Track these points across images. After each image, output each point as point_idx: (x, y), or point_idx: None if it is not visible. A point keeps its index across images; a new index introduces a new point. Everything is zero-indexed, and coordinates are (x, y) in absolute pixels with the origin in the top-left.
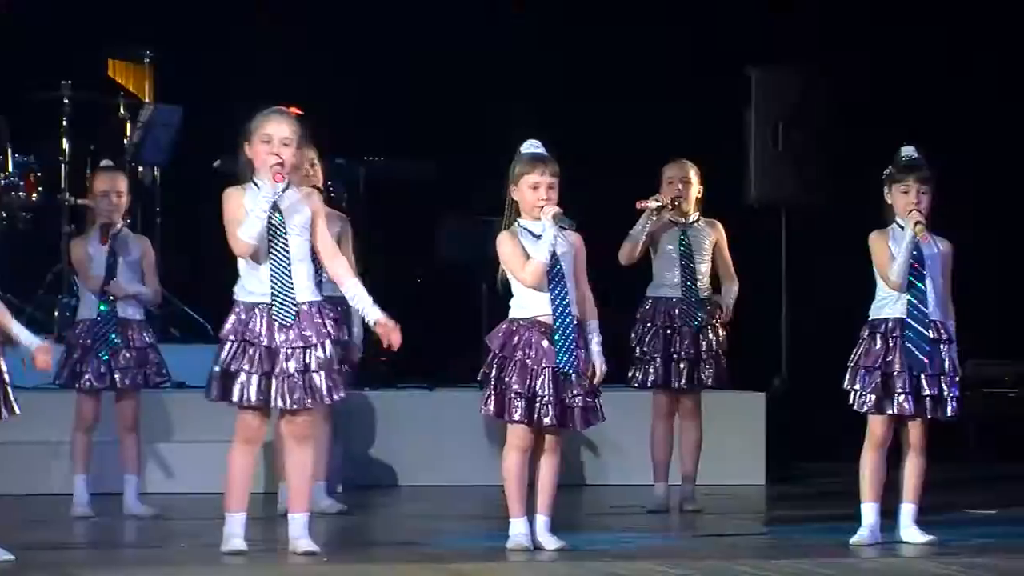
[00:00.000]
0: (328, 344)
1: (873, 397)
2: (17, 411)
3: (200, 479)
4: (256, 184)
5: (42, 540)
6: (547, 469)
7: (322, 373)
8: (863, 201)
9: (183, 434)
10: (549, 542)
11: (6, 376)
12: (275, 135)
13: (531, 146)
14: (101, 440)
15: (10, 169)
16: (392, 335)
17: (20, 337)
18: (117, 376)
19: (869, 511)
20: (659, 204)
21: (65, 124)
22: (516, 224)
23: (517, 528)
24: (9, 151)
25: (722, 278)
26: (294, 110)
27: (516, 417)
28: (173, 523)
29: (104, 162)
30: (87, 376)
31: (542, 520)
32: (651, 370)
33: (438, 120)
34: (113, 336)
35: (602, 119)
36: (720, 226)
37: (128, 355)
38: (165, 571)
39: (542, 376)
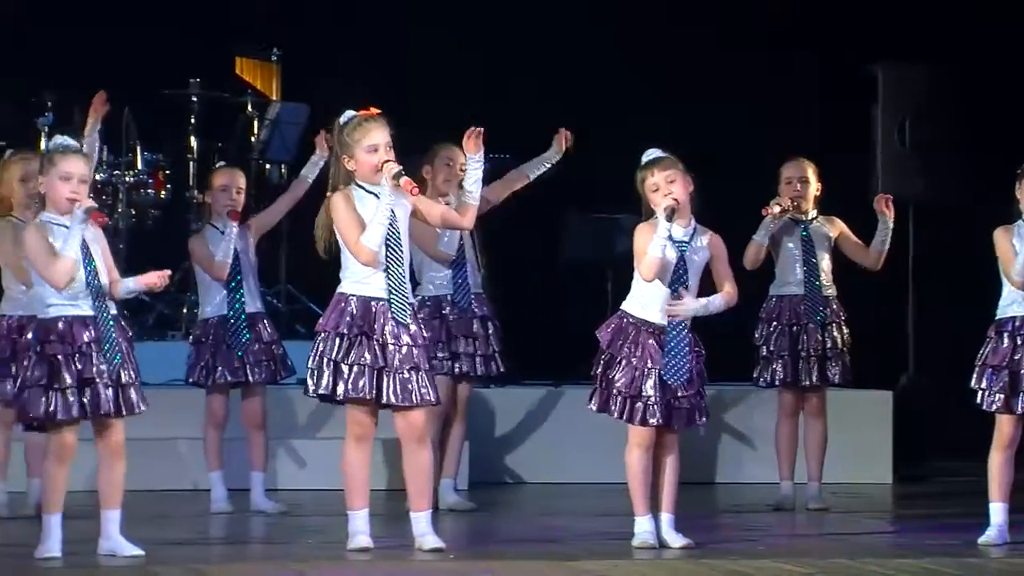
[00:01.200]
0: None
1: (1001, 396)
2: (142, 408)
3: (328, 475)
4: (361, 187)
5: (171, 536)
6: (669, 467)
7: (423, 372)
8: (991, 197)
9: (310, 430)
10: (674, 540)
11: (133, 372)
12: (380, 143)
13: (649, 154)
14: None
15: (139, 166)
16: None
17: (131, 285)
18: (250, 372)
19: (997, 511)
20: (782, 208)
21: (193, 122)
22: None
23: (642, 526)
24: (138, 149)
25: (860, 256)
26: (374, 110)
27: (626, 416)
28: (301, 519)
29: (221, 164)
30: (221, 372)
31: (667, 518)
32: (777, 368)
33: (564, 118)
34: (245, 332)
35: (725, 119)
36: (838, 221)
37: (258, 349)
38: (293, 567)
39: (648, 377)
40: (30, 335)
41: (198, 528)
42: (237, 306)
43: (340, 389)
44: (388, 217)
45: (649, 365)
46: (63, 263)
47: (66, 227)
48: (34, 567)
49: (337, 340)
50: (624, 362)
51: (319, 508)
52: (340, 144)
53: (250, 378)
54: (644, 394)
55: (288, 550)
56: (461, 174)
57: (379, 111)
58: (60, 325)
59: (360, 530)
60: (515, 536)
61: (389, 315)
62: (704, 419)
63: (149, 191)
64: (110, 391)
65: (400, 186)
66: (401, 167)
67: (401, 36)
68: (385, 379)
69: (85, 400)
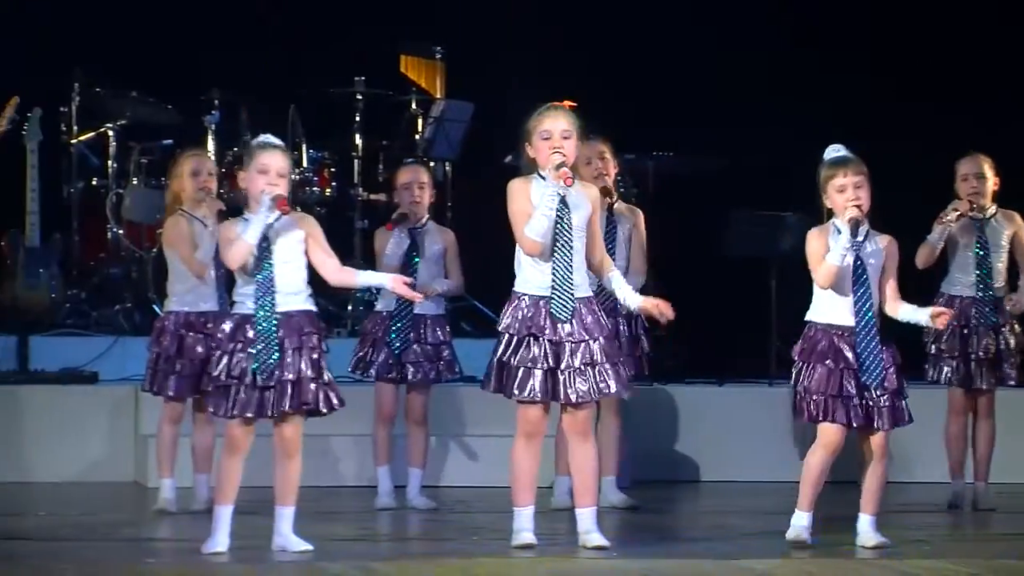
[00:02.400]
0: (608, 338)
1: None
2: (323, 408)
3: (494, 472)
4: (541, 176)
5: (339, 532)
6: (877, 469)
7: (601, 367)
8: None
9: (477, 428)
10: (871, 539)
11: (310, 370)
12: (554, 129)
13: (834, 150)
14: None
15: (304, 164)
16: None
17: (372, 280)
18: (409, 370)
19: None
20: (959, 213)
21: (358, 120)
22: (832, 224)
23: (800, 520)
24: (303, 146)
25: (1021, 269)
26: (568, 104)
27: (816, 418)
28: (466, 516)
29: (409, 160)
30: (376, 366)
31: (868, 519)
32: (947, 369)
33: (726, 116)
34: (408, 331)
35: (901, 117)
36: (1018, 218)
37: (419, 350)
38: (457, 564)
39: (843, 377)
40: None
41: (365, 524)
42: (405, 304)
43: (510, 389)
44: (554, 209)
45: (843, 365)
46: (239, 245)
47: (265, 222)
48: (202, 561)
49: (507, 339)
50: (817, 365)
51: (485, 505)
52: (524, 133)
53: (409, 377)
54: (841, 393)
55: (453, 547)
56: (604, 170)
57: (571, 103)
58: (230, 323)
59: (524, 527)
60: (678, 535)
61: (551, 312)
62: (909, 420)
63: (314, 189)
64: (277, 390)
65: (558, 176)
66: (565, 158)
67: (563, 33)
68: (556, 377)
69: (251, 397)
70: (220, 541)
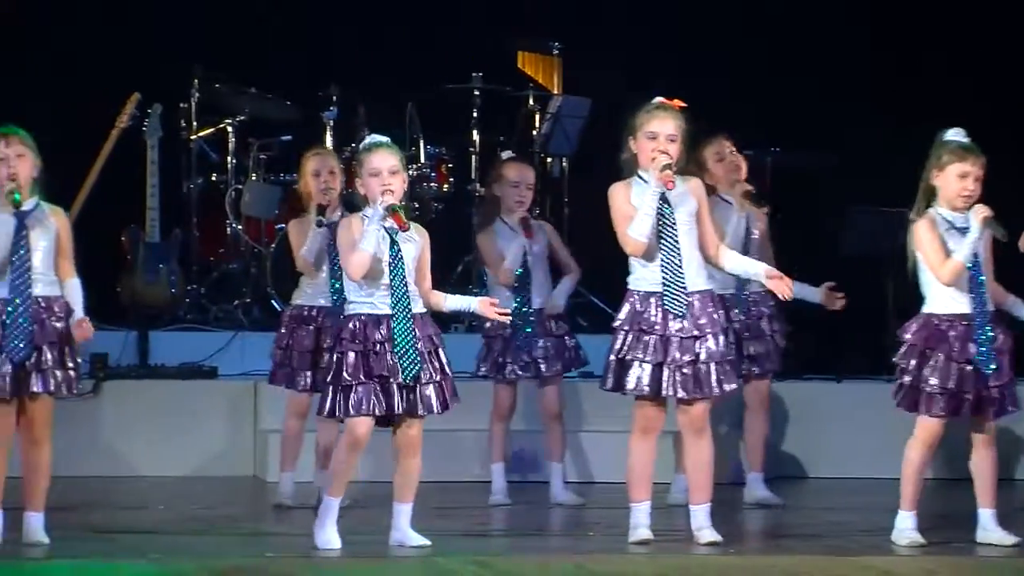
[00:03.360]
0: (720, 335)
1: None
2: (436, 409)
3: (610, 468)
4: (641, 178)
5: (456, 527)
6: (989, 460)
7: (712, 364)
8: None
9: (598, 423)
10: (997, 536)
11: (435, 372)
12: (661, 132)
13: (958, 134)
14: (520, 429)
15: (422, 160)
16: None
17: (460, 304)
18: (542, 365)
19: None
20: None
21: (475, 115)
22: (937, 214)
23: (904, 522)
24: (421, 142)
25: None
26: (677, 103)
27: (935, 411)
28: (583, 512)
29: (506, 153)
30: (510, 367)
31: (988, 513)
32: None
33: (842, 112)
34: (529, 327)
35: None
36: None
37: (547, 344)
38: (574, 559)
39: (962, 371)
40: (330, 329)
41: (481, 519)
42: (523, 302)
43: (624, 384)
44: (655, 208)
45: (962, 358)
46: (357, 256)
47: (384, 228)
48: (317, 555)
49: (621, 336)
50: (939, 359)
51: (605, 500)
52: (628, 126)
53: (542, 371)
54: (959, 388)
55: (569, 542)
56: (738, 162)
57: (681, 103)
58: (355, 323)
59: (641, 523)
60: (794, 531)
61: (664, 308)
62: (1016, 408)
63: (432, 184)
64: (402, 391)
65: (661, 178)
66: (670, 161)
67: (680, 28)
68: (666, 373)
69: (379, 397)
70: (330, 537)
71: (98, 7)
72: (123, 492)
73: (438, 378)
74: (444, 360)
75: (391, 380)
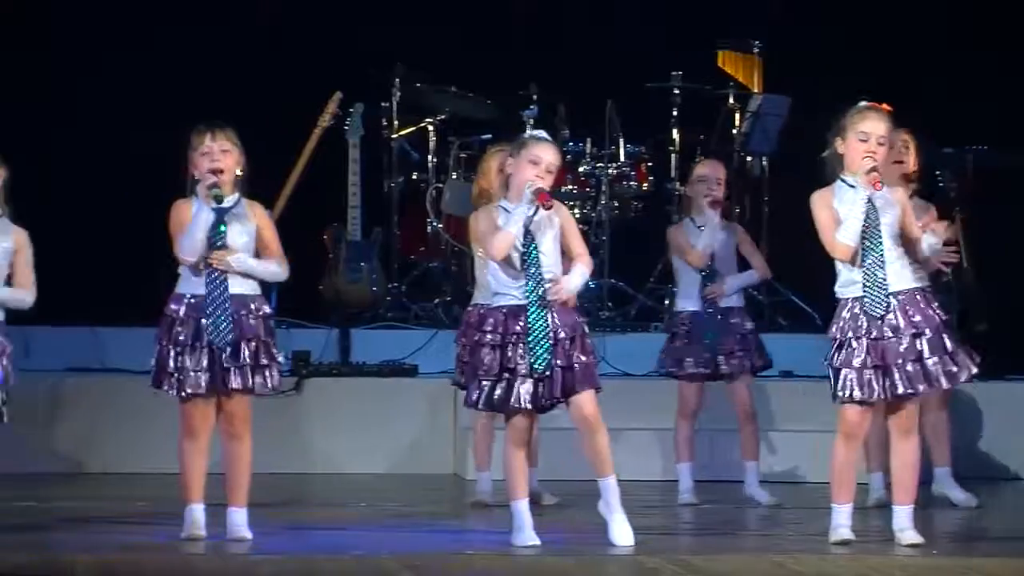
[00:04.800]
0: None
1: None
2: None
3: (810, 468)
4: (844, 182)
5: (654, 525)
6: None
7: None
8: None
9: (791, 422)
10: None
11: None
12: (873, 133)
13: None
14: (714, 428)
15: (622, 158)
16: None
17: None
18: (722, 364)
19: None
20: None
21: (675, 114)
22: None
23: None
24: (621, 141)
25: None
26: (885, 107)
27: None
28: (782, 511)
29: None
30: (691, 363)
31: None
32: None
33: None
34: (715, 326)
35: None
36: None
37: (732, 342)
38: (773, 559)
39: None
40: (473, 321)
41: (679, 518)
42: (708, 301)
43: (838, 389)
44: (864, 212)
45: None
46: (501, 236)
47: (527, 214)
48: (517, 552)
49: (835, 345)
50: None
51: (797, 500)
52: (836, 126)
53: (723, 369)
54: None
55: (768, 542)
56: (903, 158)
57: (888, 107)
58: (495, 315)
59: (842, 523)
60: (999, 534)
61: (865, 311)
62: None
63: (631, 183)
64: (546, 381)
65: (868, 180)
66: (876, 163)
67: (880, 26)
68: (877, 375)
69: (526, 390)
70: (531, 534)
71: (303, 7)
72: (324, 489)
73: (571, 364)
74: (590, 347)
75: (528, 372)
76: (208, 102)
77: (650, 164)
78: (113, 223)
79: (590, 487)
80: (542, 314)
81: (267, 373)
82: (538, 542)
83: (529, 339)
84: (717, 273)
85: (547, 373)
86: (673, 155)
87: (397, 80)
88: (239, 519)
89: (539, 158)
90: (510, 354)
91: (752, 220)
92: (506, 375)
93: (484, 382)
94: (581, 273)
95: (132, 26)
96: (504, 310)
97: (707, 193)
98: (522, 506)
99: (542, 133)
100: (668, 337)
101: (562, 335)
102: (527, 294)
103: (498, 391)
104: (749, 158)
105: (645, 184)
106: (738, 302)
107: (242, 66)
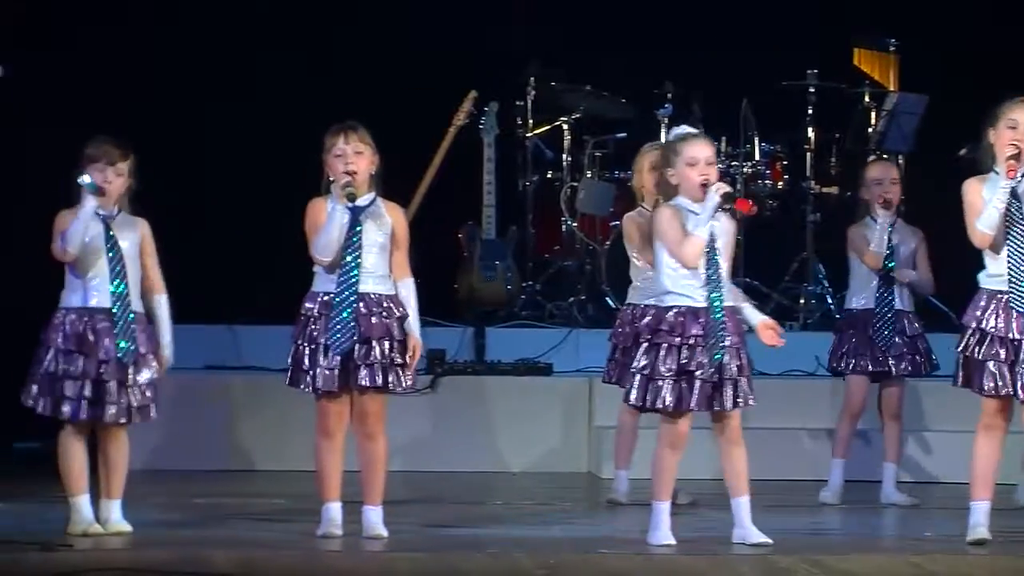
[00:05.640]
0: None
1: None
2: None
3: (954, 469)
4: (996, 172)
5: (786, 524)
6: None
7: None
8: None
9: (931, 422)
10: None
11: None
12: (1022, 122)
13: None
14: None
15: (756, 157)
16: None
17: (748, 315)
18: (892, 364)
19: None
20: None
21: (810, 112)
22: None
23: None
24: (756, 139)
25: None
26: None
27: None
28: (921, 512)
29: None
30: (858, 362)
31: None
32: None
33: None
34: (888, 326)
35: None
36: None
37: (901, 343)
38: (910, 560)
39: None
40: (644, 322)
41: (814, 518)
42: (885, 299)
43: (976, 384)
44: (1004, 201)
45: None
46: (691, 242)
47: (696, 213)
48: (652, 552)
49: (967, 334)
50: None
51: (939, 501)
52: (990, 116)
53: (892, 370)
54: None
55: (904, 543)
56: None
57: None
58: (670, 316)
59: (980, 522)
60: None
61: (1009, 306)
62: None
63: (766, 182)
64: (714, 385)
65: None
66: (1017, 151)
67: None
68: (1015, 371)
69: (704, 391)
70: (667, 534)
71: (439, 6)
72: (459, 487)
73: (736, 375)
74: (745, 358)
75: (702, 374)
76: (344, 101)
77: (785, 163)
78: (252, 222)
79: (724, 486)
80: (721, 318)
81: (400, 372)
82: (673, 541)
83: (708, 342)
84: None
85: (717, 377)
86: (808, 154)
87: (532, 79)
88: (375, 517)
89: (694, 158)
90: (686, 356)
91: None
92: (682, 377)
93: (660, 383)
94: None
95: (274, 26)
96: (681, 311)
97: (881, 194)
98: (664, 507)
99: (685, 129)
100: (838, 336)
101: (730, 342)
102: (707, 296)
103: (671, 392)
104: (885, 156)
105: (780, 183)
106: (909, 305)
107: (379, 65)
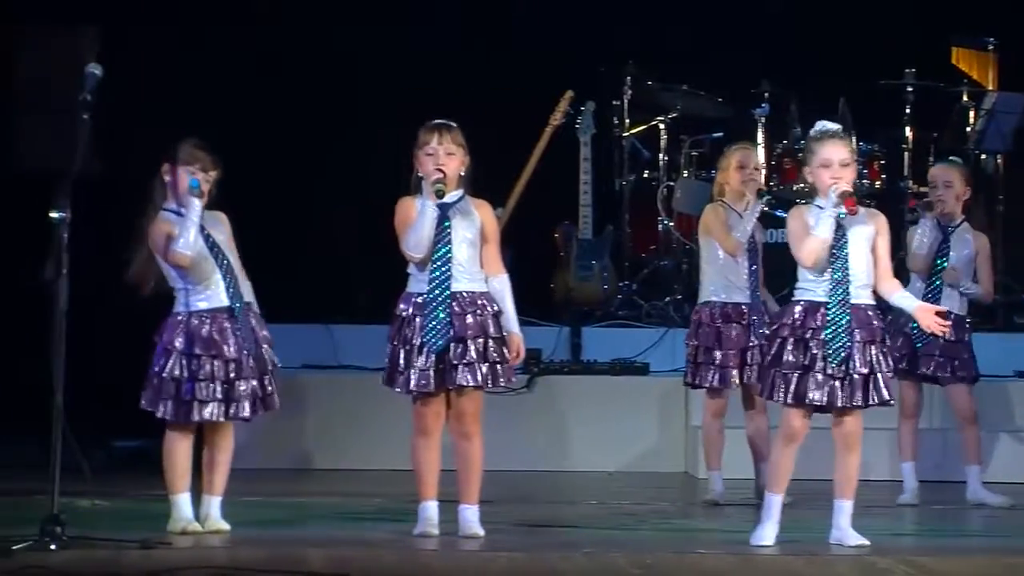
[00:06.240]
0: None
1: None
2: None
3: None
4: None
5: (878, 525)
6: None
7: None
8: None
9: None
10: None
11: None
12: None
13: None
14: (947, 428)
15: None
16: None
17: (903, 303)
18: (922, 365)
19: None
20: None
21: (908, 112)
22: None
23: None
24: (853, 138)
25: None
26: None
27: None
28: (1013, 513)
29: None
30: (902, 365)
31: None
32: None
33: None
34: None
35: None
36: None
37: (934, 345)
38: (1003, 560)
39: None
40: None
41: (904, 519)
42: (929, 302)
43: None
44: None
45: None
46: (810, 242)
47: (820, 207)
48: (750, 552)
49: None
50: None
51: None
52: None
53: (923, 371)
54: None
55: (996, 543)
56: None
57: None
58: (795, 311)
59: None
60: None
61: None
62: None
63: (864, 181)
64: (841, 382)
65: None
66: None
67: None
68: None
69: (824, 386)
70: (769, 533)
71: (537, 6)
72: (554, 486)
73: (884, 370)
74: (887, 355)
75: (817, 370)
76: (442, 101)
77: (883, 162)
78: (349, 222)
79: (822, 486)
80: (843, 312)
81: (498, 369)
82: (771, 542)
83: (826, 335)
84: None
85: (841, 373)
86: (906, 153)
87: (628, 78)
88: (471, 516)
89: (828, 160)
90: (807, 351)
91: (986, 219)
92: (802, 372)
93: (779, 376)
94: (905, 296)
95: (371, 26)
96: (804, 306)
97: (934, 198)
98: (775, 500)
99: (826, 126)
100: (902, 339)
101: (858, 337)
102: (829, 292)
103: (789, 386)
104: (983, 156)
105: (878, 182)
106: (960, 309)
107: (477, 65)
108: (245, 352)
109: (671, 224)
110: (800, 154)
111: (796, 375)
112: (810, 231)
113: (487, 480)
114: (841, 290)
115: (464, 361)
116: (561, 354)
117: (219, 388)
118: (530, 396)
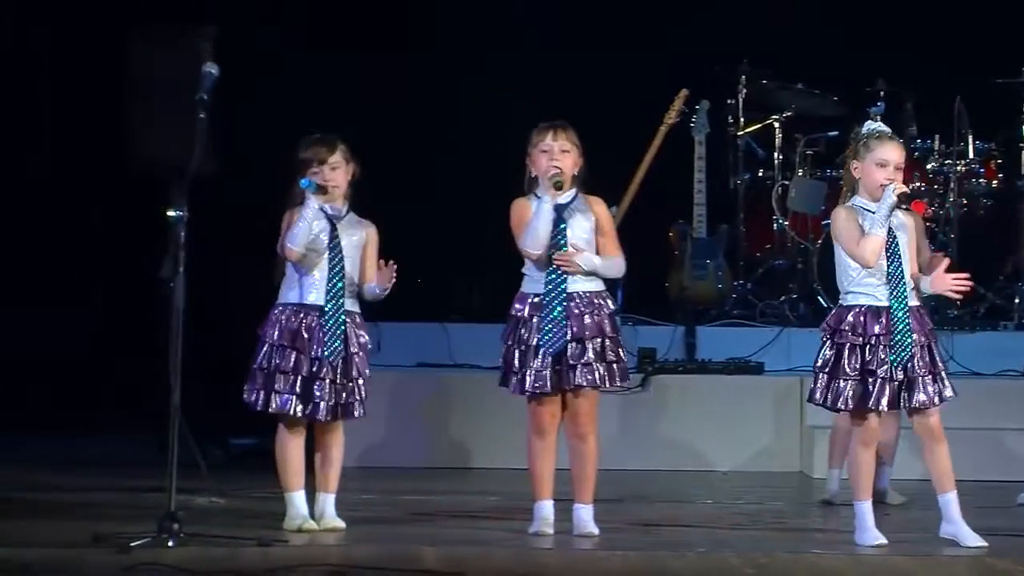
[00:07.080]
0: None
1: None
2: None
3: None
4: None
5: (997, 526)
6: None
7: None
8: None
9: None
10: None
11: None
12: None
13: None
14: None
15: (970, 155)
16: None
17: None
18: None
19: None
20: None
21: None
22: None
23: None
24: (970, 137)
25: None
26: None
27: None
28: None
29: None
30: None
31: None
32: None
33: None
34: None
35: None
36: None
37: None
38: None
39: None
40: (826, 320)
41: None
42: None
43: None
44: None
45: None
46: (869, 241)
47: (872, 212)
48: (863, 552)
49: None
50: None
51: None
52: None
53: None
54: None
55: None
56: None
57: None
58: (852, 315)
59: None
60: None
61: None
62: None
63: (980, 180)
64: (895, 383)
65: None
66: None
67: None
68: None
69: (889, 388)
70: (876, 533)
71: (651, 5)
72: (669, 485)
73: (927, 372)
74: (938, 352)
75: (885, 372)
76: (557, 100)
77: (1000, 161)
78: (464, 222)
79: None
80: (905, 316)
81: (614, 369)
82: (884, 541)
83: (891, 341)
84: None
85: (902, 375)
86: (1023, 152)
87: (743, 77)
88: (586, 515)
89: (886, 160)
90: (868, 355)
91: None
92: (865, 376)
93: (842, 382)
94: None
95: (491, 25)
96: (862, 310)
97: None
98: (866, 507)
99: (879, 127)
100: None
101: (915, 340)
102: (890, 295)
103: (853, 392)
104: None
105: (995, 182)
106: None
107: (592, 64)
108: (327, 354)
109: (786, 223)
110: (916, 153)
111: (863, 381)
112: (865, 231)
113: (601, 479)
114: (901, 292)
115: (582, 361)
116: (675, 353)
117: (298, 382)
118: (644, 395)
